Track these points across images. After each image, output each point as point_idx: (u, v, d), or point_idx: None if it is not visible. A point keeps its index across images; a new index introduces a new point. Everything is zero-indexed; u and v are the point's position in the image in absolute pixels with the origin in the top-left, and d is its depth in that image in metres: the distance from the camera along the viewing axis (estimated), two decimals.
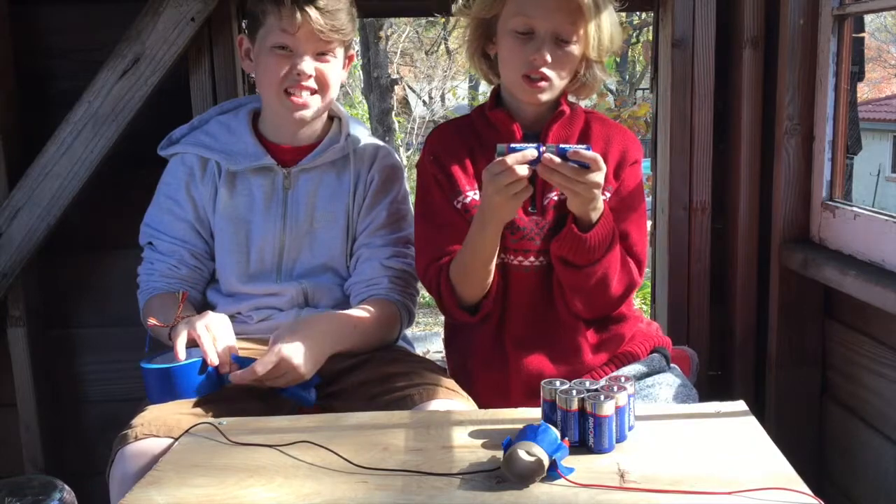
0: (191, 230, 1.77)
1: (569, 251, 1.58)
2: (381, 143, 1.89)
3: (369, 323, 1.68)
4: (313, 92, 1.70)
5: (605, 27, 1.63)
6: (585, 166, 1.44)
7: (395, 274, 1.77)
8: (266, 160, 1.74)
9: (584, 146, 1.46)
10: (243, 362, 1.50)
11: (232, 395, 1.56)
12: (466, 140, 1.72)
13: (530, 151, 1.44)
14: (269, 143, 1.77)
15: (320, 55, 1.69)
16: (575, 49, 1.61)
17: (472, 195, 1.66)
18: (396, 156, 1.89)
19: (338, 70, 1.74)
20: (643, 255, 1.70)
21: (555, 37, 1.59)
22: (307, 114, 1.71)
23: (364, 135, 1.86)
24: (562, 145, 1.46)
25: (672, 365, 1.76)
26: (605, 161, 1.65)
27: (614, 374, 1.65)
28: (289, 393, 1.56)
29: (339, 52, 1.73)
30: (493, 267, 1.61)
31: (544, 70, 1.59)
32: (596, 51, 1.64)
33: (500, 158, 1.44)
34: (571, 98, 1.73)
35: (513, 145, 1.46)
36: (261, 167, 1.75)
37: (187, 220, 1.77)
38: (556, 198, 1.65)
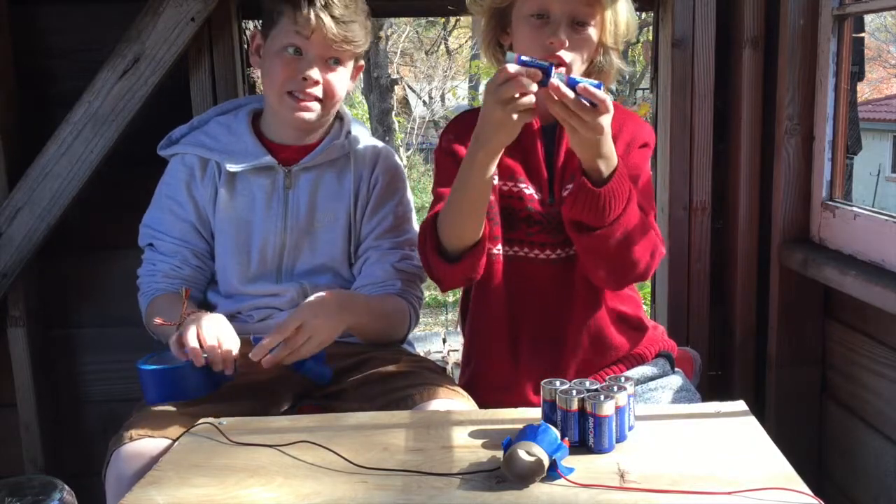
0: (192, 230, 1.77)
1: (582, 210, 1.47)
2: (381, 143, 1.89)
3: (381, 306, 1.70)
4: (317, 99, 1.70)
5: (622, 11, 1.61)
6: (594, 105, 1.35)
7: (406, 277, 1.78)
8: (266, 159, 1.74)
9: (595, 83, 1.36)
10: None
11: (228, 394, 1.55)
12: None
13: (537, 71, 1.34)
14: (269, 143, 1.77)
15: (329, 64, 1.69)
16: (592, 33, 1.58)
17: None
18: (397, 157, 1.89)
19: (345, 80, 1.74)
20: (657, 230, 1.61)
21: (571, 19, 1.56)
22: (308, 116, 1.71)
23: (365, 135, 1.86)
24: (573, 76, 1.37)
25: (676, 369, 1.75)
26: (615, 142, 1.54)
27: (622, 374, 1.64)
28: (306, 369, 1.55)
29: (349, 63, 1.73)
30: (482, 213, 1.51)
31: (562, 53, 1.55)
32: (612, 35, 1.61)
33: (504, 66, 1.35)
34: None
35: (523, 57, 1.35)
36: (261, 167, 1.74)
37: (189, 220, 1.77)
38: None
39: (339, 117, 1.83)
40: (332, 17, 1.63)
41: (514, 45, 1.63)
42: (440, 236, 1.55)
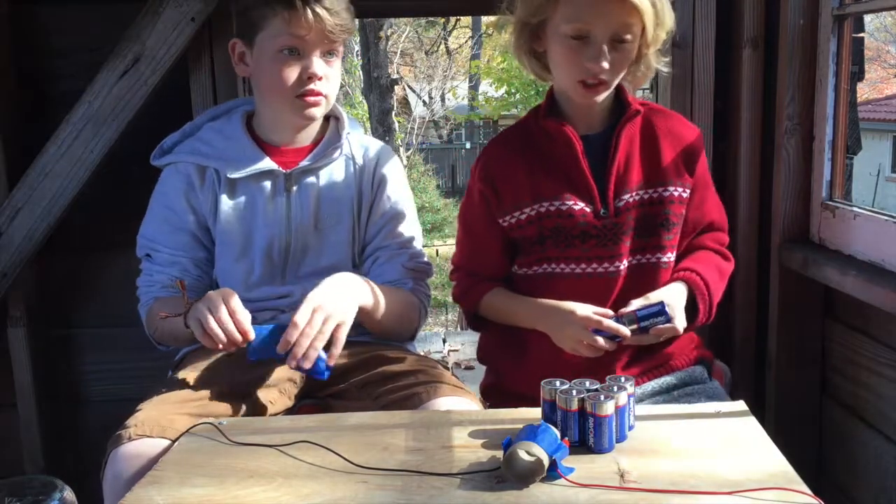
0: (191, 240, 1.75)
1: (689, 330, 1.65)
2: (379, 142, 1.89)
3: (391, 296, 1.69)
4: (322, 94, 1.68)
5: (664, 12, 1.56)
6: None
7: (416, 276, 1.78)
8: (267, 164, 1.73)
9: (657, 308, 1.53)
10: (260, 331, 1.51)
11: (228, 394, 1.56)
12: (524, 156, 1.65)
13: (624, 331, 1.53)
14: (266, 146, 1.76)
15: (326, 55, 1.68)
16: (632, 46, 1.56)
17: (518, 216, 1.63)
18: (396, 154, 1.89)
19: (339, 68, 1.74)
20: (726, 227, 1.77)
21: (612, 38, 1.53)
22: (317, 112, 1.70)
23: (363, 135, 1.86)
24: (643, 323, 1.54)
25: (713, 379, 1.72)
26: (676, 155, 1.64)
27: (651, 382, 1.64)
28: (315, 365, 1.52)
29: (340, 50, 1.72)
30: None
31: (602, 76, 1.54)
32: (655, 40, 1.58)
33: (601, 342, 1.54)
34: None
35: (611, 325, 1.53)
36: (262, 171, 1.73)
37: (187, 229, 1.75)
38: (631, 199, 1.61)
39: (336, 117, 1.82)
40: (326, 9, 1.62)
41: (552, 61, 1.61)
42: (483, 314, 1.75)
